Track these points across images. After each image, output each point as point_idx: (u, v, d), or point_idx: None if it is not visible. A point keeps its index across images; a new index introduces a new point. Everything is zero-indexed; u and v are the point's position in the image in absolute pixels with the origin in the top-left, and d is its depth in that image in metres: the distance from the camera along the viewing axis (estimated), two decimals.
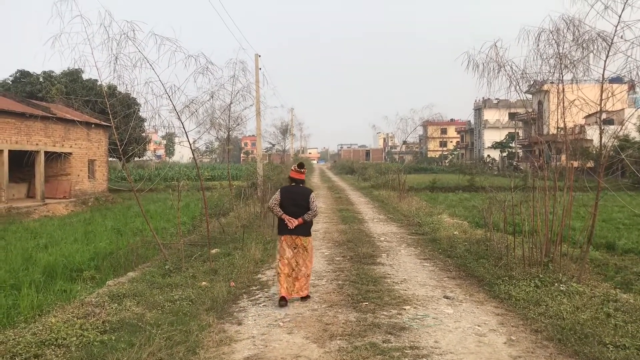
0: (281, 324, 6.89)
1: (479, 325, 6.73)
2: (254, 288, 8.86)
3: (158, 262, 10.79)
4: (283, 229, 8.00)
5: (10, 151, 25.37)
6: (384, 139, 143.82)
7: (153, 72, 9.89)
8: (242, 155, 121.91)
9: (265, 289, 8.76)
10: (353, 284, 8.91)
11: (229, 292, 8.38)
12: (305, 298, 8.01)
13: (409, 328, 6.61)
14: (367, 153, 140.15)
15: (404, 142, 67.07)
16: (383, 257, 11.45)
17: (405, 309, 7.44)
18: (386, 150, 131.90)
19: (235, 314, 7.39)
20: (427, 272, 9.97)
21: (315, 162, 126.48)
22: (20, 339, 5.98)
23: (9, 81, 42.86)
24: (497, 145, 68.51)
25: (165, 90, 10.05)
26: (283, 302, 7.73)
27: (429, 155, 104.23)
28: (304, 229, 8.00)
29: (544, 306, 7.23)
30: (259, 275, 9.81)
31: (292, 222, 7.87)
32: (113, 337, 6.11)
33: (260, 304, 7.89)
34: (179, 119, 10.66)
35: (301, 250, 7.98)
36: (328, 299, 8.03)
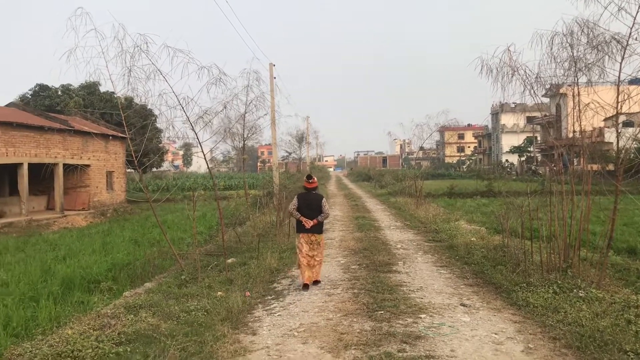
0: (296, 333, 6.86)
1: (496, 333, 6.63)
2: (269, 297, 8.84)
3: (174, 273, 10.83)
4: (301, 228, 9.64)
5: (29, 164, 25.73)
6: (401, 146, 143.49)
7: (166, 84, 9.97)
8: (258, 164, 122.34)
9: (281, 299, 8.73)
10: (369, 292, 8.84)
11: (244, 301, 8.35)
12: (317, 282, 9.55)
13: (424, 337, 6.54)
14: (384, 160, 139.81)
15: (421, 148, 66.76)
16: (399, 264, 11.36)
17: (421, 318, 7.37)
18: (403, 157, 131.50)
19: (250, 324, 7.37)
20: (444, 280, 9.87)
21: (331, 169, 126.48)
22: (37, 350, 6.03)
23: (28, 95, 43.55)
24: (515, 150, 67.92)
25: (179, 102, 10.13)
26: (306, 288, 9.27)
27: (446, 161, 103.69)
28: (318, 228, 9.66)
29: (563, 313, 7.10)
30: (275, 285, 9.79)
31: (308, 223, 9.51)
32: (128, 349, 6.12)
33: (275, 313, 7.86)
34: (193, 129, 10.73)
35: (316, 245, 9.61)
36: (343, 308, 7.98)
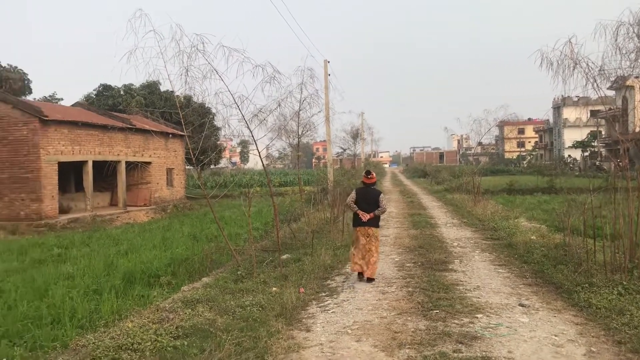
0: (349, 331, 6.84)
1: (556, 335, 6.41)
2: (323, 294, 8.86)
3: (231, 268, 11.00)
4: (358, 222, 9.80)
5: (94, 161, 26.74)
6: (458, 141, 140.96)
7: (222, 83, 10.12)
8: (313, 160, 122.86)
9: (335, 296, 8.74)
10: (423, 291, 8.73)
11: (298, 298, 8.40)
12: (371, 280, 9.52)
13: (481, 337, 6.40)
14: (441, 155, 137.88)
15: (479, 144, 65.28)
16: (456, 263, 11.17)
17: (477, 318, 7.21)
18: (460, 152, 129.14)
19: (304, 320, 7.41)
20: (502, 279, 9.64)
21: (387, 165, 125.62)
22: (100, 342, 6.23)
23: (93, 95, 45.27)
24: (578, 145, 65.57)
25: (234, 100, 10.27)
26: (361, 276, 9.65)
27: (505, 157, 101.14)
28: (375, 222, 9.80)
29: (629, 315, 6.79)
30: (329, 282, 9.80)
31: (365, 216, 9.65)
32: (185, 343, 6.25)
33: (328, 310, 7.87)
34: (248, 127, 10.86)
35: (373, 239, 9.70)
36: (397, 306, 7.91)
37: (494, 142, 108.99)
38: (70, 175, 28.78)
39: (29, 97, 48.53)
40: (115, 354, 5.92)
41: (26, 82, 52.56)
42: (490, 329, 6.71)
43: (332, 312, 7.76)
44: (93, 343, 6.25)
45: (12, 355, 6.28)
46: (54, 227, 22.91)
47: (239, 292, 8.72)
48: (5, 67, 51.30)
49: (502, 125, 78.48)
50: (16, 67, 52.95)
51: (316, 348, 6.26)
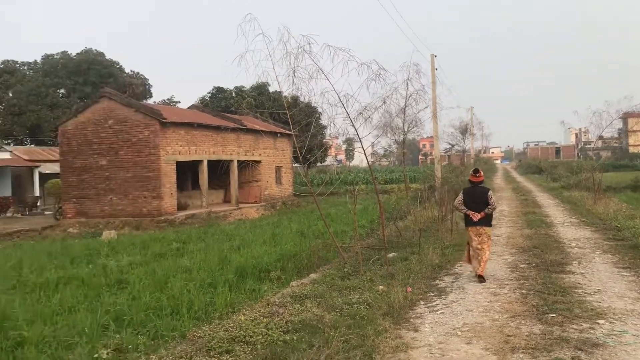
0: (459, 333, 6.66)
1: None
2: (431, 294, 8.69)
3: (337, 265, 11.08)
4: (469, 222, 9.75)
5: (208, 161, 28.09)
6: (576, 135, 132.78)
7: (328, 82, 10.21)
8: (420, 157, 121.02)
9: (443, 296, 8.54)
10: (538, 293, 8.31)
11: (406, 297, 8.29)
12: (482, 279, 9.33)
13: (602, 344, 5.97)
14: (557, 150, 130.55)
15: (600, 137, 61.11)
16: (574, 264, 10.53)
17: (598, 323, 6.75)
18: (579, 147, 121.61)
19: (411, 320, 7.30)
20: (626, 283, 8.94)
21: (498, 161, 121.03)
22: (214, 334, 6.52)
23: (207, 97, 47.64)
24: None
25: (340, 99, 10.33)
26: (482, 279, 9.32)
27: (630, 151, 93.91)
28: (486, 221, 9.69)
29: None
30: (437, 282, 9.60)
31: (475, 216, 9.58)
32: (294, 337, 6.37)
33: (437, 311, 7.71)
34: (353, 125, 10.88)
35: (485, 237, 9.60)
36: (510, 309, 7.58)
37: (616, 135, 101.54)
38: (187, 174, 30.47)
39: (150, 101, 52.01)
40: (229, 345, 6.17)
41: (147, 86, 56.33)
42: (614, 337, 6.25)
43: (440, 313, 7.59)
44: (208, 334, 6.55)
45: (136, 343, 6.72)
46: (172, 223, 24.35)
47: (345, 289, 8.77)
48: (128, 73, 55.23)
49: (625, 117, 72.83)
50: (138, 73, 56.84)
51: (424, 349, 6.15)
